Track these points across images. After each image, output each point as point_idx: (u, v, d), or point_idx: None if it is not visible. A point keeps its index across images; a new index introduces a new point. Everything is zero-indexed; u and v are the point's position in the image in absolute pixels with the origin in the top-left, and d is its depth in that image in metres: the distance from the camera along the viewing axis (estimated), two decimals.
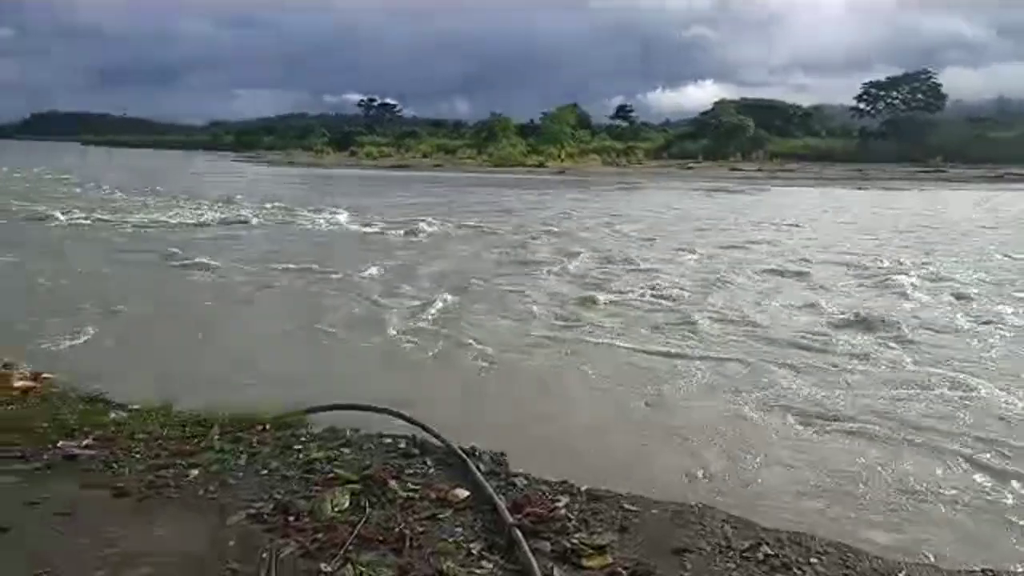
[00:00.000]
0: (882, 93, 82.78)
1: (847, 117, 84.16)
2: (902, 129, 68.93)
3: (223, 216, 21.55)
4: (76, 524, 3.47)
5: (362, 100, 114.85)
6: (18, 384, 5.51)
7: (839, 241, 17.79)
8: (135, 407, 5.19)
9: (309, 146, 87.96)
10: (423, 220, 20.11)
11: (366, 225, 20.17)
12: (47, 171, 43.26)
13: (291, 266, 12.99)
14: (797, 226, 21.03)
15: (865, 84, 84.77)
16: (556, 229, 19.65)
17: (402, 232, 18.53)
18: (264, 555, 3.19)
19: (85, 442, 4.45)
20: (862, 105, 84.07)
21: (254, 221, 20.68)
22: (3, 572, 3.05)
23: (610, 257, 14.72)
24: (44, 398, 5.37)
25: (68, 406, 5.10)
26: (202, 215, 21.91)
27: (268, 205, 24.90)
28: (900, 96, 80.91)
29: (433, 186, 40.83)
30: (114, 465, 4.16)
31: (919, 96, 79.07)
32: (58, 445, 4.37)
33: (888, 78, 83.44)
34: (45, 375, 5.84)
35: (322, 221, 20.96)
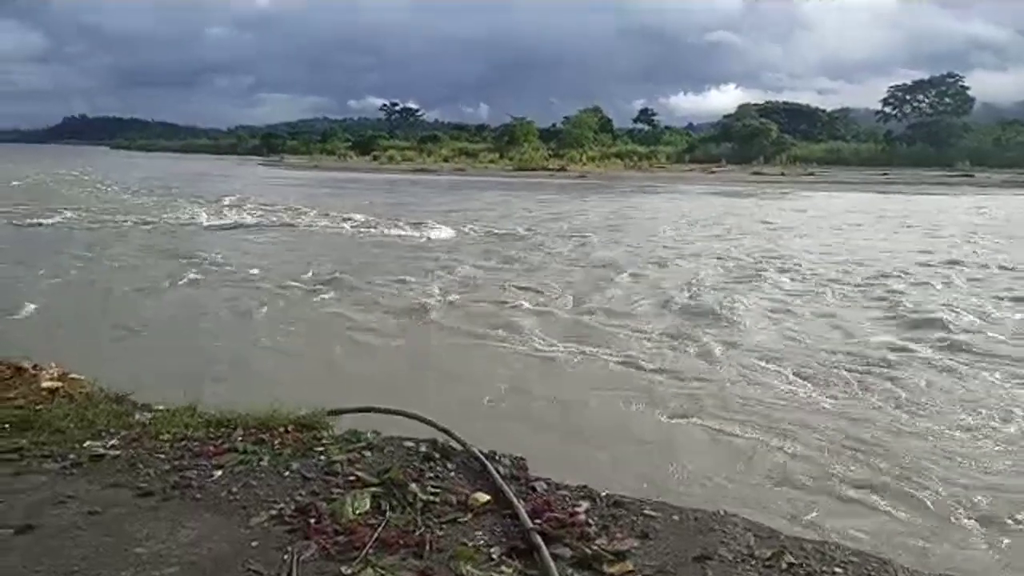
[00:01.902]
0: (908, 97, 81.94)
1: (873, 121, 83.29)
2: (928, 133, 68.01)
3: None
4: (101, 523, 3.51)
5: (384, 104, 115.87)
6: (46, 384, 5.59)
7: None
8: (160, 408, 5.25)
9: (331, 150, 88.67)
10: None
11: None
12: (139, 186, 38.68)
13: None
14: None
15: (891, 88, 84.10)
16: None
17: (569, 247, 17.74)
18: (286, 557, 3.21)
19: (111, 442, 4.50)
20: (888, 109, 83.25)
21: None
22: (29, 570, 3.08)
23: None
24: (71, 398, 5.44)
25: (95, 406, 5.17)
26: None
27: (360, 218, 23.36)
28: (927, 100, 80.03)
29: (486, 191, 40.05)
30: (139, 465, 4.20)
31: (946, 99, 78.12)
32: (84, 445, 4.43)
33: (914, 81, 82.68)
34: (72, 375, 5.92)
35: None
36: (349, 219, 23.08)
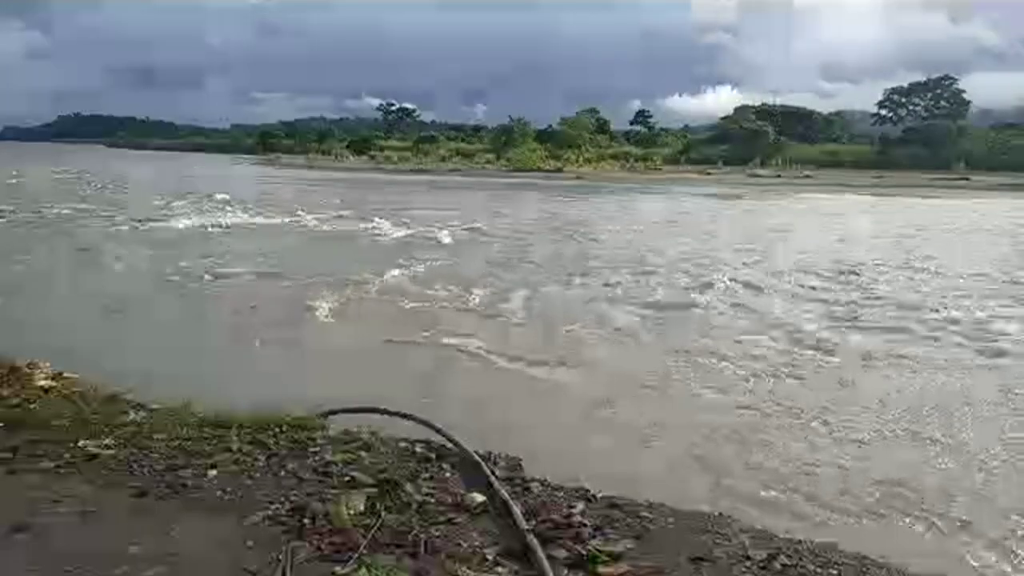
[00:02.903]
0: (904, 100, 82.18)
1: (869, 124, 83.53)
2: (924, 136, 68.21)
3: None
4: (96, 523, 3.50)
5: (381, 104, 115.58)
6: (40, 383, 5.58)
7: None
8: (155, 406, 5.24)
9: (327, 149, 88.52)
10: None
11: None
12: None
13: None
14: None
15: (887, 91, 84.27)
16: None
17: None
18: (280, 557, 3.20)
19: (106, 441, 4.49)
20: (884, 112, 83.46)
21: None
22: (24, 570, 3.08)
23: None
24: (65, 396, 5.42)
25: (89, 405, 5.16)
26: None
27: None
28: (923, 103, 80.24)
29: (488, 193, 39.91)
30: (134, 465, 4.19)
31: (942, 103, 78.36)
32: (79, 444, 4.42)
33: (911, 84, 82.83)
34: (67, 374, 5.91)
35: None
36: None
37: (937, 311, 10.96)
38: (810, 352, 8.57)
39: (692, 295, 12.02)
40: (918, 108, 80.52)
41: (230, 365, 8.02)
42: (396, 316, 10.33)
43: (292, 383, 7.07)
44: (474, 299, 11.46)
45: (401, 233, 20.27)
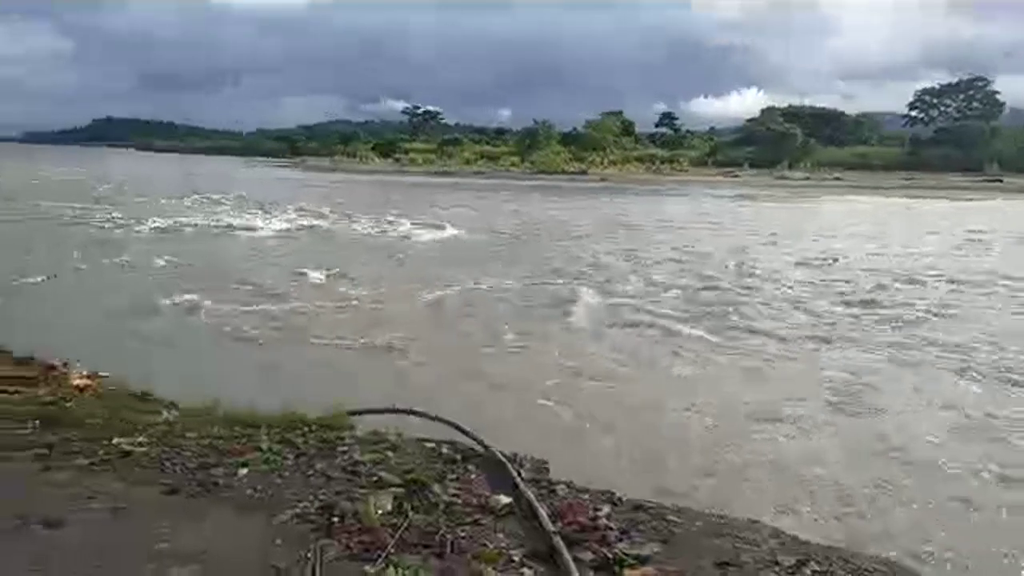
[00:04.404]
0: (936, 101, 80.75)
1: (899, 125, 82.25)
2: (956, 137, 66.99)
3: None
4: (128, 520, 3.55)
5: (407, 107, 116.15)
6: (75, 382, 5.69)
7: None
8: (186, 406, 5.32)
9: (352, 152, 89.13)
10: None
11: None
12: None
13: None
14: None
15: (918, 92, 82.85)
16: None
17: None
18: (309, 555, 3.23)
19: (138, 439, 4.56)
20: (915, 113, 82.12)
21: None
22: (57, 564, 3.13)
23: None
24: (99, 395, 5.53)
25: (122, 404, 5.24)
26: None
27: None
28: (954, 104, 78.81)
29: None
30: (166, 463, 4.25)
31: (974, 104, 76.90)
32: (113, 441, 4.49)
33: (942, 85, 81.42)
34: (101, 374, 6.02)
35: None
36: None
37: None
38: None
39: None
40: (950, 109, 79.12)
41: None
42: None
43: None
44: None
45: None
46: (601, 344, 9.33)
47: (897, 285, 13.63)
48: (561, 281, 13.86)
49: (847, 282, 13.91)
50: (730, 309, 11.25)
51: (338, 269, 14.46)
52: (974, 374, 7.97)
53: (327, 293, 12.39)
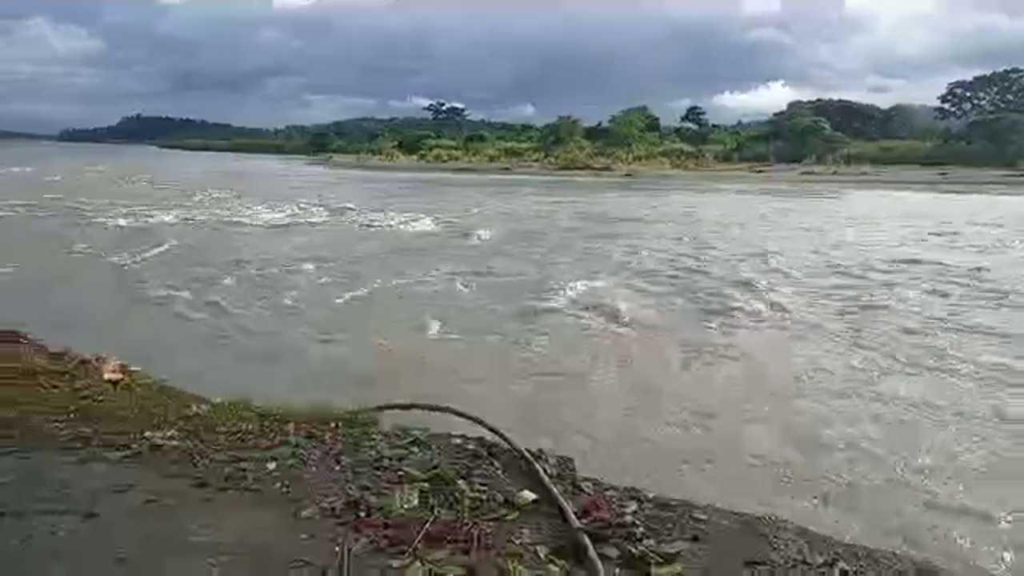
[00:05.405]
0: (968, 94, 79.12)
1: (930, 119, 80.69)
2: (991, 131, 65.49)
3: None
4: (159, 512, 3.61)
5: (431, 104, 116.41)
6: (108, 375, 5.79)
7: None
8: (216, 400, 5.39)
9: (378, 149, 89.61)
10: None
11: None
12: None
13: None
14: None
15: (951, 84, 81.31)
16: None
17: None
18: (337, 549, 3.26)
19: (169, 432, 4.63)
20: (947, 106, 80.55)
21: None
22: (90, 554, 3.19)
23: None
24: (131, 389, 5.62)
25: (154, 398, 5.33)
26: None
27: None
28: (988, 97, 77.14)
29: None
30: (196, 456, 4.31)
31: (1008, 97, 75.20)
32: (145, 435, 4.57)
33: (975, 78, 79.79)
34: (133, 368, 6.12)
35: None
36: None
37: None
38: None
39: None
40: (983, 102, 77.46)
41: None
42: None
43: None
44: None
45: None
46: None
47: None
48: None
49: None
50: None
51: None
52: None
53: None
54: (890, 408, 6.82)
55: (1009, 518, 4.73)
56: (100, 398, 5.24)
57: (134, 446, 4.40)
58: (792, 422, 6.46)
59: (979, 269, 14.80)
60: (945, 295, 12.39)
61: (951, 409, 6.80)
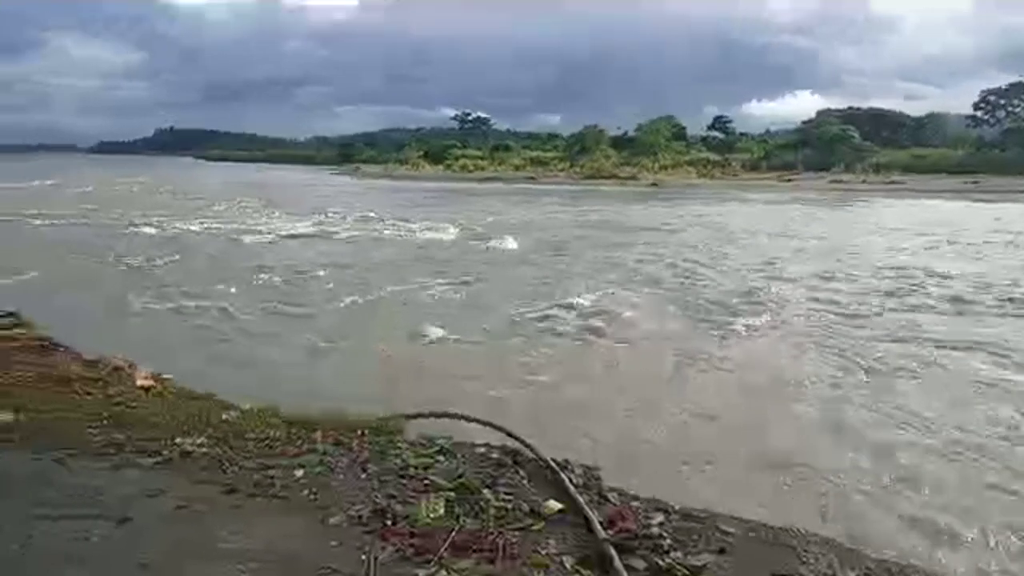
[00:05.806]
0: (1003, 101, 77.59)
1: (963, 127, 79.24)
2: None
3: None
4: (189, 518, 3.66)
5: (457, 114, 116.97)
6: (140, 382, 5.90)
7: None
8: (245, 407, 5.46)
9: (405, 159, 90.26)
10: None
11: None
12: None
13: None
14: None
15: (983, 92, 79.66)
16: None
17: None
18: (364, 557, 3.28)
19: (199, 439, 4.70)
20: (980, 114, 79.10)
21: None
22: (121, 557, 3.24)
23: None
24: (163, 396, 5.72)
25: (184, 405, 5.42)
26: None
27: None
28: (1022, 104, 75.62)
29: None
30: (225, 463, 4.37)
31: None
32: (176, 441, 4.64)
33: (1010, 85, 78.05)
34: (164, 375, 6.23)
35: None
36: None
37: None
38: None
39: None
40: (1017, 110, 75.95)
41: None
42: None
43: None
44: None
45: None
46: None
47: None
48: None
49: None
50: None
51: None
52: None
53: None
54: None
55: None
56: (133, 404, 5.34)
57: (165, 452, 4.48)
58: (792, 424, 6.38)
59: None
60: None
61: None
